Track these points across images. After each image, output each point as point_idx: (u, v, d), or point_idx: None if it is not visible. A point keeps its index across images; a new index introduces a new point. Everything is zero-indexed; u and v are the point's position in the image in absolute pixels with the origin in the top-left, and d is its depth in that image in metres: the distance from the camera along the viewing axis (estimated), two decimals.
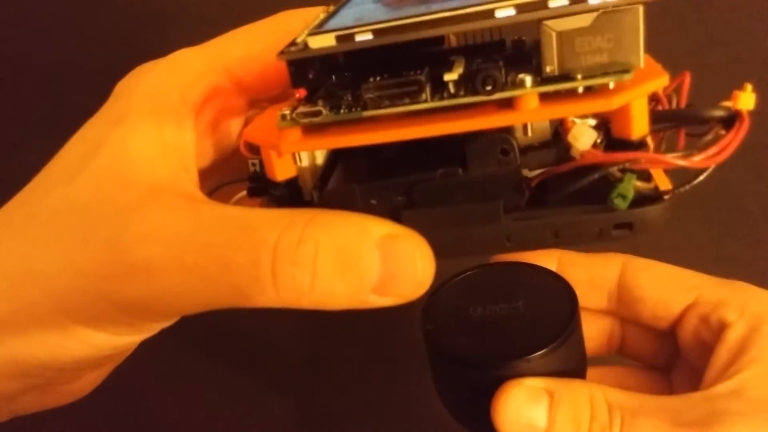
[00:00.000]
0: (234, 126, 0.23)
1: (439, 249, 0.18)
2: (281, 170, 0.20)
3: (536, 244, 0.19)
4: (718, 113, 0.18)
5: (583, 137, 0.18)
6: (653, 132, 0.18)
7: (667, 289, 0.26)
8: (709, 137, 0.18)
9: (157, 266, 0.17)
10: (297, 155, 0.20)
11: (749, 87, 0.18)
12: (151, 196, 0.18)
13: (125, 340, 0.19)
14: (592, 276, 0.26)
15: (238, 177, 0.22)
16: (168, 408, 0.43)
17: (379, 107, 0.18)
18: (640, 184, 0.18)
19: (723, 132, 0.18)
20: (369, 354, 0.42)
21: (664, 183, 0.19)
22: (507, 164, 0.19)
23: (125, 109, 0.19)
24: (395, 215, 0.19)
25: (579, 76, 0.17)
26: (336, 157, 0.21)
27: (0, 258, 0.18)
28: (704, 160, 0.18)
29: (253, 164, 0.21)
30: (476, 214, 0.19)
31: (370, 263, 0.17)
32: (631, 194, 0.18)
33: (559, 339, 0.21)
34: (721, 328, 0.23)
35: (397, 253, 0.17)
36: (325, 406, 0.42)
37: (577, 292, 0.23)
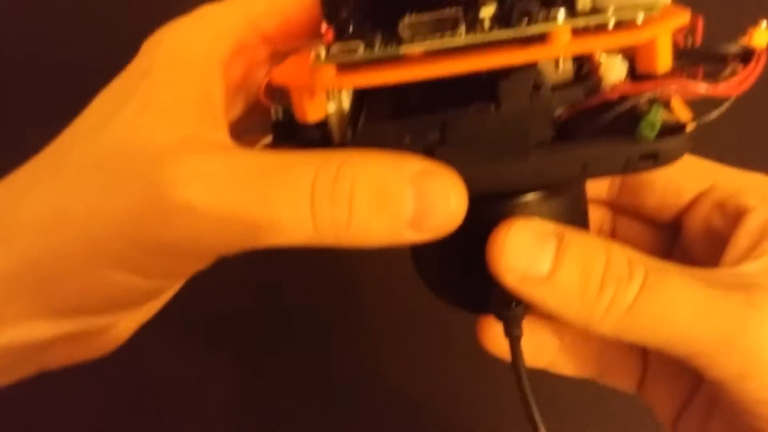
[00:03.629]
0: (260, 79, 0.23)
1: (469, 184, 0.18)
2: (312, 111, 0.20)
3: (563, 176, 0.20)
4: (736, 49, 0.19)
5: (615, 69, 0.19)
6: (674, 70, 0.19)
7: (679, 173, 0.24)
8: (727, 72, 0.19)
9: (197, 207, 0.17)
10: (330, 93, 0.20)
11: (764, 23, 0.20)
12: (182, 143, 0.18)
13: (158, 284, 0.19)
14: None
15: (261, 127, 0.22)
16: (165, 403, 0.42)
17: (415, 43, 0.18)
18: (665, 115, 0.19)
19: (741, 67, 0.19)
20: (369, 354, 0.42)
21: (684, 115, 0.20)
22: (539, 100, 0.19)
23: (153, 63, 0.19)
24: (429, 152, 0.19)
25: (610, 11, 0.18)
26: (362, 101, 0.21)
27: (30, 204, 0.18)
28: (727, 89, 0.19)
29: (276, 112, 0.21)
30: (506, 150, 0.19)
31: (405, 199, 0.17)
32: (659, 124, 0.18)
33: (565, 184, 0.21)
34: (739, 214, 0.23)
35: (431, 189, 0.17)
36: (325, 404, 0.41)
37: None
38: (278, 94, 0.21)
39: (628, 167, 0.19)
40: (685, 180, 0.24)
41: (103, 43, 0.43)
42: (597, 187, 0.26)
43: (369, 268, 0.42)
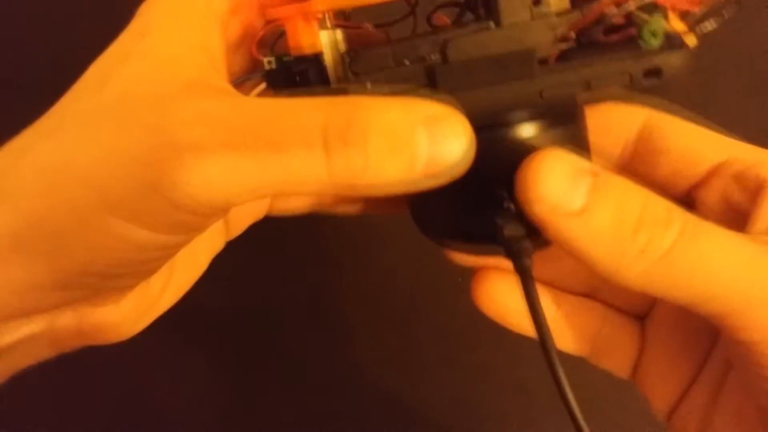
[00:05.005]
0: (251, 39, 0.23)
1: (477, 113, 0.18)
2: (307, 41, 0.20)
3: (568, 97, 0.19)
4: None
5: None
6: None
7: (698, 142, 0.23)
8: None
9: (204, 147, 0.16)
10: (326, 18, 0.20)
11: None
12: (185, 89, 0.17)
13: (168, 239, 0.18)
14: (610, 122, 0.24)
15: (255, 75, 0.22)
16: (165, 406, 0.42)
17: None
18: (666, 24, 0.19)
19: None
20: (369, 354, 0.42)
21: (681, 28, 0.19)
22: (539, 14, 0.19)
23: (150, 21, 0.19)
24: (430, 74, 0.19)
25: None
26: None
27: (34, 158, 0.17)
28: None
29: (269, 62, 0.21)
30: (510, 66, 0.19)
31: (419, 141, 0.17)
32: (661, 31, 0.18)
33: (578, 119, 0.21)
34: (760, 187, 0.21)
35: (443, 133, 0.17)
36: (323, 405, 0.41)
37: (591, 139, 0.22)
38: (271, 46, 0.21)
39: (633, 84, 0.19)
40: (702, 149, 0.23)
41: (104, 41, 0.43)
42: (609, 152, 0.24)
43: (368, 268, 0.42)
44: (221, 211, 0.18)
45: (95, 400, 0.42)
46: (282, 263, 0.42)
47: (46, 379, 0.43)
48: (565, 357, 0.40)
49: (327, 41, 0.20)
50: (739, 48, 0.40)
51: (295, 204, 0.27)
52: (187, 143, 0.16)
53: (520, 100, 0.19)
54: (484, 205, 0.20)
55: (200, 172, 0.16)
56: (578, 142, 0.21)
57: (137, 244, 0.17)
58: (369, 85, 0.19)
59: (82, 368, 0.42)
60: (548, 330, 0.20)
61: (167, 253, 0.19)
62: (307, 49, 0.20)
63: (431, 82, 0.19)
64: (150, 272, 0.20)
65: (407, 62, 0.19)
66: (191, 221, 0.17)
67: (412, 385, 0.40)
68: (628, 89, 0.19)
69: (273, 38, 0.22)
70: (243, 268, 0.42)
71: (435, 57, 0.19)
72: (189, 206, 0.17)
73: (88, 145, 0.17)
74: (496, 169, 0.20)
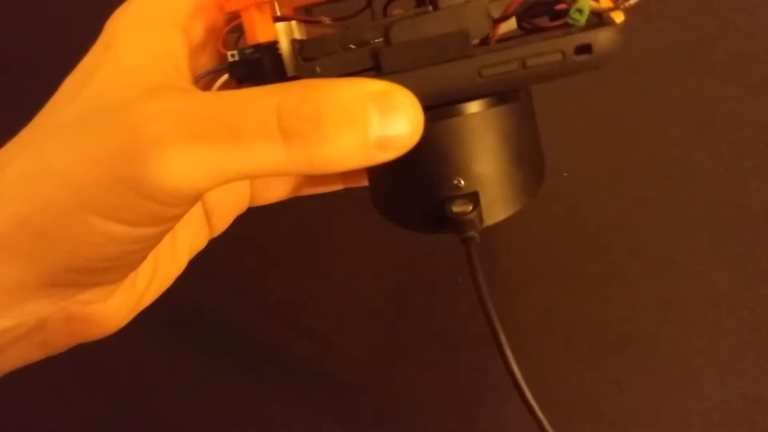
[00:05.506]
0: (214, 40, 0.24)
1: (421, 95, 0.19)
2: (262, 31, 0.21)
3: (506, 76, 0.20)
4: None
5: None
6: None
7: None
8: None
9: (168, 138, 0.17)
10: (276, 9, 0.21)
11: None
12: (149, 92, 0.19)
13: (145, 232, 0.19)
14: None
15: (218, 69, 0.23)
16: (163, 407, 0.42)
17: None
18: (593, 3, 0.20)
19: None
20: (369, 354, 0.42)
21: (607, 5, 0.21)
22: None
23: (115, 33, 0.20)
24: (375, 57, 0.20)
25: None
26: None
27: (15, 166, 0.18)
28: None
29: (232, 55, 0.22)
30: (448, 46, 0.20)
31: (371, 115, 0.18)
32: (587, 9, 0.20)
33: None
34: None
35: (392, 105, 0.18)
36: (324, 406, 0.41)
37: None
38: (235, 43, 0.22)
39: (567, 63, 0.20)
40: None
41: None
42: None
43: (367, 268, 0.42)
44: (190, 198, 0.19)
45: (94, 401, 0.42)
46: (279, 263, 0.42)
47: (44, 380, 0.43)
48: (564, 357, 0.40)
49: (282, 30, 0.21)
50: (739, 48, 0.40)
51: (274, 192, 0.28)
52: (150, 137, 0.17)
53: (460, 79, 0.20)
54: (431, 182, 0.22)
55: (165, 163, 0.17)
56: (520, 119, 0.23)
57: (115, 238, 0.18)
58: (318, 70, 0.21)
59: (80, 370, 0.42)
60: (492, 309, 0.22)
61: (145, 245, 0.20)
62: (263, 38, 0.21)
63: (376, 64, 0.20)
64: (131, 266, 0.21)
65: (353, 46, 0.21)
66: (164, 212, 0.19)
67: (411, 385, 0.40)
68: (562, 67, 0.20)
69: (237, 36, 0.23)
70: (238, 267, 0.42)
71: (379, 40, 0.21)
72: (158, 197, 0.18)
73: (63, 151, 0.18)
74: (442, 146, 0.22)
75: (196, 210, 0.26)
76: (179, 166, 0.17)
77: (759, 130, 0.40)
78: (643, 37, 0.41)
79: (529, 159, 0.23)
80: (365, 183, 0.26)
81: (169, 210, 0.19)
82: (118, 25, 0.21)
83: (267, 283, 0.43)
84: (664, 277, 0.39)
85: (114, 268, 0.20)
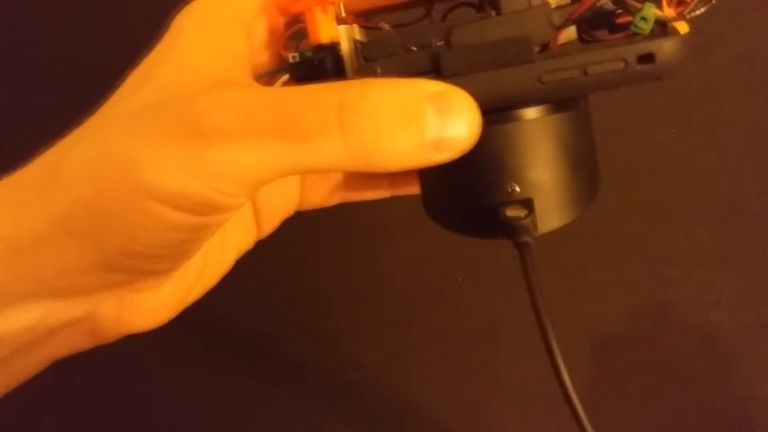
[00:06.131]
0: (275, 41, 0.25)
1: (479, 99, 0.19)
2: (325, 30, 0.21)
3: (566, 83, 0.20)
4: None
5: None
6: None
7: None
8: None
9: (230, 128, 0.18)
10: (341, 11, 0.22)
11: None
12: (212, 85, 0.19)
13: (201, 221, 0.19)
14: None
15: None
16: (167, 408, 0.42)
17: None
18: (657, 11, 0.20)
19: None
20: (371, 355, 0.42)
21: (672, 15, 0.21)
22: (536, 4, 0.20)
23: (181, 30, 0.21)
24: (435, 59, 0.20)
25: None
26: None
27: (80, 150, 0.19)
28: None
29: (293, 57, 0.22)
30: (508, 50, 0.20)
31: (428, 115, 0.18)
32: (651, 17, 0.19)
33: None
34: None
35: (449, 106, 0.19)
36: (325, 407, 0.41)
37: None
38: (296, 46, 0.22)
39: (628, 70, 0.20)
40: None
41: (105, 41, 0.43)
42: None
43: (369, 269, 0.42)
44: (248, 189, 0.19)
45: (94, 402, 0.42)
46: (281, 264, 0.42)
47: (43, 380, 0.43)
48: (564, 356, 0.40)
49: (344, 30, 0.21)
50: (739, 48, 0.40)
51: (323, 196, 0.28)
52: (214, 127, 0.18)
53: (520, 84, 0.20)
54: (486, 187, 0.22)
55: (227, 152, 0.18)
56: (578, 128, 0.23)
57: (172, 225, 0.19)
58: (379, 71, 0.21)
59: (82, 372, 0.42)
60: (546, 317, 0.22)
61: (200, 235, 0.20)
62: (325, 39, 0.21)
63: (436, 66, 0.20)
64: (185, 256, 0.21)
65: (414, 48, 0.21)
66: (221, 202, 0.19)
67: (411, 385, 0.40)
68: (624, 76, 0.20)
69: (299, 39, 0.23)
70: (242, 268, 0.42)
71: (440, 43, 0.21)
72: (217, 186, 0.18)
73: (126, 137, 0.18)
74: (498, 151, 0.21)
75: (246, 209, 0.27)
76: (240, 156, 0.18)
77: (759, 130, 0.40)
78: None
79: (584, 168, 0.23)
80: (412, 191, 0.26)
81: (226, 200, 0.19)
82: (184, 22, 0.21)
83: (269, 283, 0.43)
84: (665, 277, 0.39)
85: (168, 256, 0.20)
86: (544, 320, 0.22)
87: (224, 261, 0.26)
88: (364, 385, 0.41)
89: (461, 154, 0.19)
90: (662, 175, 0.40)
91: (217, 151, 0.18)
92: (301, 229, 0.42)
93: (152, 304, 0.22)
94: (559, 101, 0.22)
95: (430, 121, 0.18)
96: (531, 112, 0.22)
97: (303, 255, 0.43)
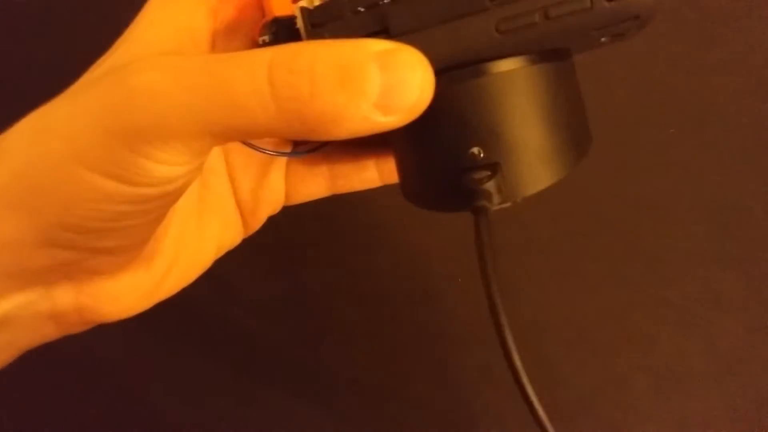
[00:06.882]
0: (249, 26, 0.24)
1: (433, 56, 0.17)
2: (278, 5, 0.21)
3: (527, 32, 0.18)
4: None
5: None
6: None
7: None
8: None
9: (157, 88, 0.17)
10: None
11: None
12: (161, 53, 0.19)
13: (139, 192, 0.19)
14: None
15: None
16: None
17: None
18: None
19: None
20: (369, 355, 0.42)
21: None
22: None
23: (144, 11, 0.21)
24: (382, 18, 0.19)
25: None
26: None
27: (22, 123, 0.19)
28: None
29: (263, 40, 0.21)
30: (462, 6, 0.18)
31: (370, 74, 0.17)
32: None
33: None
34: None
35: (396, 64, 0.17)
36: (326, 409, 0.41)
37: None
38: (269, 25, 0.21)
39: (595, 10, 0.18)
40: None
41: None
42: None
43: (367, 268, 0.42)
44: (180, 155, 0.18)
45: (94, 401, 0.42)
46: (278, 264, 0.42)
47: (44, 380, 0.43)
48: (564, 356, 0.40)
49: (303, 5, 0.20)
50: (738, 48, 0.40)
51: (309, 188, 0.27)
52: (141, 86, 0.17)
53: (475, 36, 0.18)
54: (449, 154, 0.20)
55: (153, 113, 0.17)
56: (552, 83, 0.21)
57: (107, 195, 0.18)
58: (327, 35, 0.20)
59: (80, 370, 0.42)
60: (497, 289, 0.20)
61: (144, 209, 0.19)
62: (279, 12, 0.21)
63: (384, 26, 0.19)
64: (133, 233, 0.20)
65: (362, 9, 0.19)
66: (156, 170, 0.18)
67: (410, 385, 0.40)
68: (593, 18, 0.18)
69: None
70: (236, 267, 0.42)
71: (387, 1, 0.19)
72: (145, 151, 0.17)
73: (63, 106, 0.18)
74: (458, 113, 0.20)
75: (227, 201, 0.26)
76: (167, 117, 0.17)
77: (759, 130, 0.40)
78: (644, 37, 0.41)
79: (562, 127, 0.21)
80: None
81: (161, 168, 0.18)
82: (151, 3, 0.21)
83: (265, 283, 0.43)
84: (664, 277, 0.39)
85: (112, 232, 0.19)
86: (495, 295, 0.19)
87: (202, 254, 0.25)
88: (361, 384, 0.40)
89: (413, 117, 0.18)
90: (662, 175, 0.40)
91: (143, 113, 0.17)
92: (299, 230, 0.43)
93: (116, 291, 0.22)
94: (527, 53, 0.20)
95: (373, 79, 0.17)
96: (494, 67, 0.20)
97: (299, 255, 0.43)
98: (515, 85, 0.20)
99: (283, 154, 0.26)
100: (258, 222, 0.27)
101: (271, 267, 0.42)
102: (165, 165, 0.18)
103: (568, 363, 0.39)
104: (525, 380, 0.20)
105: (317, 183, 0.27)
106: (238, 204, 0.26)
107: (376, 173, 0.27)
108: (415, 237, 0.41)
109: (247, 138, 0.22)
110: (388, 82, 0.17)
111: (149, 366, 0.42)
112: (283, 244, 0.42)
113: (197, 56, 0.18)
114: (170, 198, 0.20)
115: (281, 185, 0.27)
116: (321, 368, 0.41)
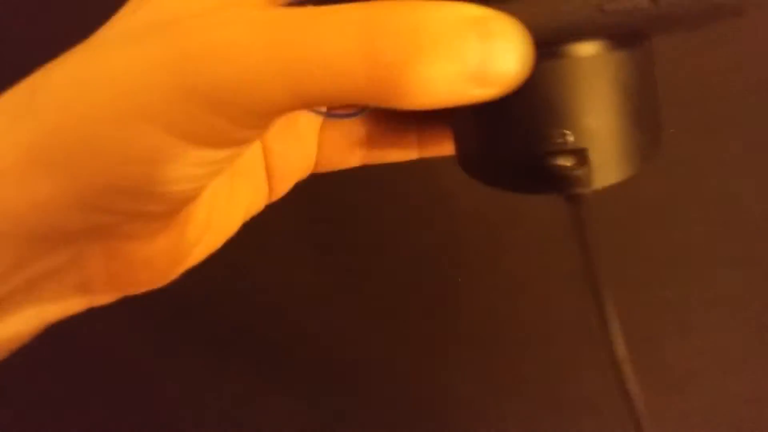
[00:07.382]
0: None
1: (529, 27, 0.16)
2: None
3: (633, 13, 0.17)
4: None
5: None
6: None
7: None
8: None
9: (238, 44, 0.15)
10: None
11: None
12: (219, 5, 0.17)
13: (203, 154, 0.17)
14: None
15: None
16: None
17: None
18: None
19: None
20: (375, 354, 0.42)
21: None
22: None
23: None
24: None
25: None
26: None
27: (61, 71, 0.17)
28: None
29: None
30: None
31: (470, 41, 0.15)
32: None
33: None
34: None
35: (495, 32, 0.16)
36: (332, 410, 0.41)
37: None
38: None
39: None
40: None
41: None
42: None
43: (367, 268, 0.42)
44: (261, 119, 0.17)
45: (94, 401, 0.42)
46: (278, 262, 0.42)
47: (43, 380, 0.43)
48: (564, 356, 0.40)
49: None
50: (739, 48, 0.40)
51: (342, 155, 0.26)
52: (220, 42, 0.15)
53: (578, 12, 0.17)
54: (534, 134, 0.19)
55: (234, 70, 0.15)
56: (642, 70, 0.20)
57: (175, 155, 0.16)
58: None
59: (79, 370, 0.42)
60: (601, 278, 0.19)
61: (201, 172, 0.18)
62: None
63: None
64: (180, 200, 0.19)
65: None
66: (229, 131, 0.17)
67: (411, 384, 0.40)
68: (704, 4, 0.17)
69: None
70: (237, 266, 0.42)
71: None
72: (224, 109, 0.16)
73: (115, 57, 0.16)
74: (548, 93, 0.18)
75: (257, 165, 0.24)
76: (252, 76, 0.15)
77: (759, 130, 0.40)
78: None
79: (647, 117, 0.20)
80: (442, 151, 0.24)
81: (235, 130, 0.17)
82: None
83: (265, 281, 0.43)
84: (664, 277, 0.39)
85: (161, 196, 0.18)
86: (601, 290, 0.19)
87: (231, 220, 0.24)
88: (362, 384, 0.41)
89: (509, 91, 0.16)
90: (662, 174, 0.40)
91: (227, 68, 0.15)
92: (297, 228, 0.43)
93: (146, 256, 0.20)
94: (621, 37, 0.19)
95: (473, 48, 0.15)
96: (588, 48, 0.19)
97: (300, 255, 0.43)
98: (610, 69, 0.19)
99: (333, 115, 0.25)
100: (285, 188, 0.25)
101: (271, 266, 0.42)
102: (241, 126, 0.17)
103: (569, 363, 0.39)
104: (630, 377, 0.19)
105: (351, 151, 0.26)
106: (267, 168, 0.25)
107: (415, 145, 0.25)
108: (415, 237, 0.41)
109: (325, 103, 0.20)
110: (487, 52, 0.16)
111: (149, 366, 0.42)
112: (283, 243, 0.42)
113: (278, 9, 0.16)
114: (233, 161, 0.18)
115: (313, 150, 0.25)
116: (320, 368, 0.41)
